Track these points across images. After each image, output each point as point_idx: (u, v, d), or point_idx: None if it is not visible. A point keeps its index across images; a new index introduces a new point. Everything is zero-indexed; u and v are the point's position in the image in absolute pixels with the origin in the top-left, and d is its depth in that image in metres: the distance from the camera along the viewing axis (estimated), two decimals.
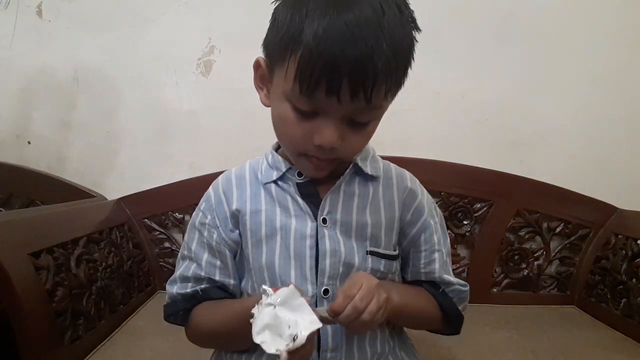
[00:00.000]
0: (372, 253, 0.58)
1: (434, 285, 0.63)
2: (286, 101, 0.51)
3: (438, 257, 0.63)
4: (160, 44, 1.27)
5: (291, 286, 0.45)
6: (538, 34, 1.25)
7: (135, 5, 1.27)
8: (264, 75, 0.56)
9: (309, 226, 0.57)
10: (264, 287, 0.46)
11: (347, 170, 0.59)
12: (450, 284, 0.64)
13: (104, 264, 0.98)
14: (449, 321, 0.64)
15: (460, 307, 0.64)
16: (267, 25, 0.54)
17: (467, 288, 0.65)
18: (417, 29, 0.51)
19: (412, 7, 0.51)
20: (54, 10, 1.28)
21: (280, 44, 0.49)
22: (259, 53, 0.56)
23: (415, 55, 0.51)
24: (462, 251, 1.26)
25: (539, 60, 1.25)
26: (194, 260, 0.61)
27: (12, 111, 1.31)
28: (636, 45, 1.25)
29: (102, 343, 0.90)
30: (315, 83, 0.46)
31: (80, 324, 0.84)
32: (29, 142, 1.32)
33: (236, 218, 0.60)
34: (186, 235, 0.64)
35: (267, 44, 0.53)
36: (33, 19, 1.28)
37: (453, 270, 1.24)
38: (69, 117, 1.31)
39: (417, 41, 0.51)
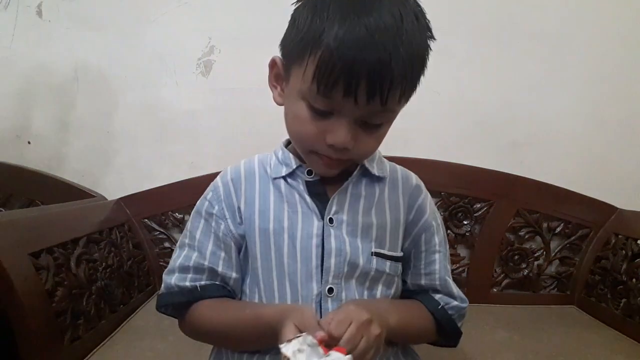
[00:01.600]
0: (377, 254, 0.59)
1: (431, 300, 0.62)
2: (302, 100, 0.52)
3: (439, 259, 0.63)
4: (160, 44, 1.27)
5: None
6: (538, 35, 1.25)
7: (135, 5, 1.27)
8: (279, 74, 0.57)
9: (316, 225, 0.57)
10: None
11: (355, 172, 0.59)
12: (451, 295, 0.63)
13: (104, 264, 0.98)
14: (447, 336, 0.64)
15: (459, 324, 0.64)
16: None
17: (467, 304, 0.64)
18: (432, 37, 0.53)
19: None
20: (54, 10, 1.28)
21: (300, 44, 0.50)
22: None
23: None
24: (462, 251, 1.26)
25: (539, 61, 1.25)
26: (197, 249, 0.60)
27: (12, 111, 1.31)
28: (636, 45, 1.25)
29: (102, 343, 0.90)
30: (333, 83, 0.47)
31: (80, 324, 0.84)
32: (29, 142, 1.32)
33: (244, 213, 0.60)
34: (189, 223, 0.63)
35: (286, 44, 0.54)
36: (33, 19, 1.28)
37: (453, 270, 1.25)
38: (69, 117, 1.31)
39: (431, 50, 0.53)
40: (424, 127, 1.27)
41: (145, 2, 1.27)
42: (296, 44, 0.50)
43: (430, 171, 1.21)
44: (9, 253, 0.70)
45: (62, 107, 1.30)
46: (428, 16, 0.54)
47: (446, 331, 0.63)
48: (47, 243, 0.82)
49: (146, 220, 1.24)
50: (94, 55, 1.28)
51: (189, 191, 1.20)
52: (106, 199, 1.22)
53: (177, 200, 1.23)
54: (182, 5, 1.26)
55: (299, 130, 0.55)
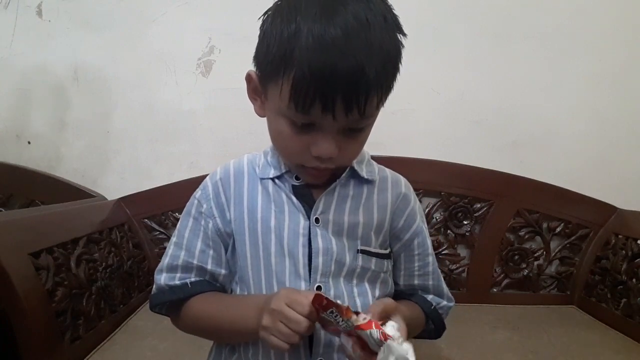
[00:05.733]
0: (363, 252, 0.60)
1: (425, 301, 0.66)
2: (282, 117, 0.52)
3: (431, 262, 0.66)
4: (160, 43, 1.27)
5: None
6: (538, 34, 1.25)
7: (135, 5, 1.27)
8: (256, 88, 0.56)
9: (302, 225, 0.58)
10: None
11: (344, 174, 0.60)
12: (440, 294, 0.67)
13: (104, 264, 0.98)
14: (432, 330, 0.67)
15: (444, 320, 0.68)
16: None
17: (453, 303, 0.69)
18: (403, 33, 0.51)
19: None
20: (54, 10, 1.28)
21: (272, 63, 0.49)
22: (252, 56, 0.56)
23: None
24: (462, 251, 1.26)
25: (538, 60, 1.25)
26: (185, 248, 0.60)
27: (12, 111, 1.31)
28: (636, 45, 1.25)
29: (102, 343, 0.91)
30: (310, 103, 0.47)
31: (80, 324, 0.84)
32: (29, 142, 1.32)
33: (232, 212, 0.60)
34: (179, 223, 0.64)
35: (259, 61, 0.53)
36: (33, 19, 1.28)
37: (453, 270, 1.26)
38: (69, 117, 1.31)
39: (403, 46, 0.51)
40: (424, 127, 1.27)
41: (145, 2, 1.27)
42: (269, 63, 0.50)
43: (430, 171, 1.22)
44: (9, 253, 0.70)
45: (62, 107, 1.31)
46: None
47: (434, 327, 0.66)
48: (47, 243, 0.82)
49: (146, 220, 1.24)
50: (94, 55, 1.28)
51: (189, 191, 1.19)
52: (106, 199, 1.22)
53: (177, 200, 1.21)
54: (182, 5, 1.26)
55: (284, 146, 0.56)
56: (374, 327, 0.45)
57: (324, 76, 0.45)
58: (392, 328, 0.47)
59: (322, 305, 0.46)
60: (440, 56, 1.23)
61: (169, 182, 1.24)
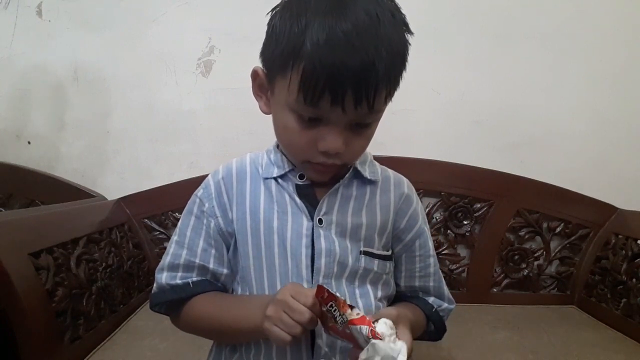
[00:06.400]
0: (365, 253, 0.60)
1: (426, 303, 0.66)
2: (290, 111, 0.52)
3: (433, 263, 0.66)
4: (160, 43, 1.27)
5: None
6: (538, 34, 1.25)
7: (135, 5, 1.27)
8: (262, 85, 0.57)
9: (305, 225, 0.58)
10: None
11: (347, 175, 0.60)
12: (441, 296, 0.67)
13: (104, 264, 0.98)
14: (433, 332, 0.68)
15: (445, 322, 0.68)
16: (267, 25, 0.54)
17: (454, 306, 0.69)
18: (410, 32, 0.52)
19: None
20: (54, 10, 1.28)
21: (281, 56, 0.49)
22: (259, 53, 0.56)
23: (410, 57, 0.52)
24: (462, 251, 1.26)
25: (539, 60, 1.25)
26: (187, 247, 0.60)
27: (12, 111, 1.31)
28: (636, 45, 1.25)
29: (102, 343, 0.90)
30: (319, 95, 0.47)
31: (80, 324, 0.84)
32: (29, 142, 1.32)
33: (235, 212, 0.60)
34: (180, 221, 0.63)
35: (266, 56, 0.54)
36: (33, 19, 1.28)
37: (453, 270, 1.25)
38: (69, 117, 1.31)
39: (410, 44, 0.52)
40: (424, 127, 1.27)
41: (145, 2, 1.27)
42: (277, 57, 0.50)
43: (430, 171, 1.22)
44: (9, 253, 0.70)
45: (62, 107, 1.31)
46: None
47: (435, 329, 0.67)
48: (47, 243, 0.82)
49: (146, 220, 1.24)
50: (94, 55, 1.28)
51: (189, 191, 1.19)
52: (106, 199, 1.22)
53: (177, 200, 1.22)
54: (182, 5, 1.26)
55: (290, 141, 0.55)
56: (365, 324, 0.45)
57: (335, 69, 0.46)
58: (383, 325, 0.46)
59: (323, 298, 0.46)
60: (440, 56, 1.23)
61: (169, 182, 1.24)
